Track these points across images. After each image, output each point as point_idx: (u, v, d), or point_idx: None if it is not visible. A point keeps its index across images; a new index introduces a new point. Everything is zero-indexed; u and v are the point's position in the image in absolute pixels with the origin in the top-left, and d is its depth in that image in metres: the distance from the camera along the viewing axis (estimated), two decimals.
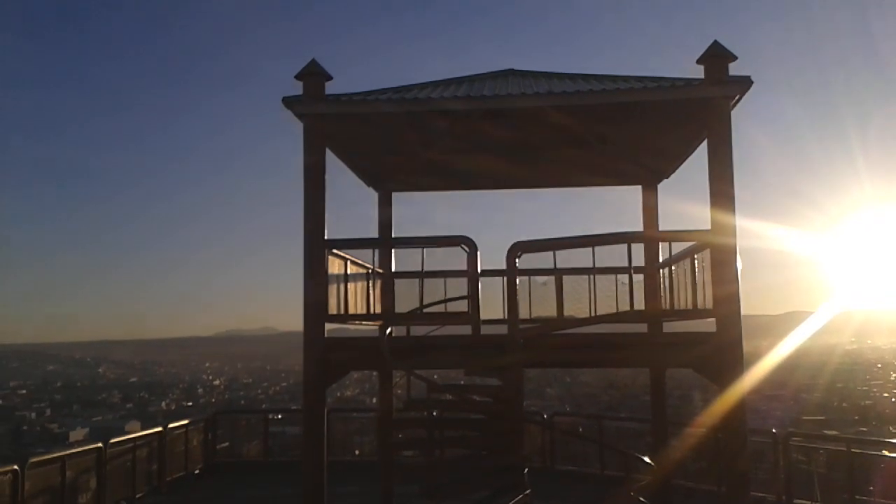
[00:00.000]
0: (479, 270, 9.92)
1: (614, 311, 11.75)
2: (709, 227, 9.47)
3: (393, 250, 13.20)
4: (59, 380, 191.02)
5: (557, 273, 10.60)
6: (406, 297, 12.26)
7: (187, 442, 16.97)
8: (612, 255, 10.82)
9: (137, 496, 14.51)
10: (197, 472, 17.21)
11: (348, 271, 11.16)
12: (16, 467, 10.89)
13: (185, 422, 17.23)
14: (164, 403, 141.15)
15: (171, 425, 16.55)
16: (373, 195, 14.53)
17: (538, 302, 11.63)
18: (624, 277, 12.00)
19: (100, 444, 13.48)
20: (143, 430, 17.05)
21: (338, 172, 12.74)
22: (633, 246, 10.52)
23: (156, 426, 16.75)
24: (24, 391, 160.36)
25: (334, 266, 10.61)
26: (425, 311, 10.70)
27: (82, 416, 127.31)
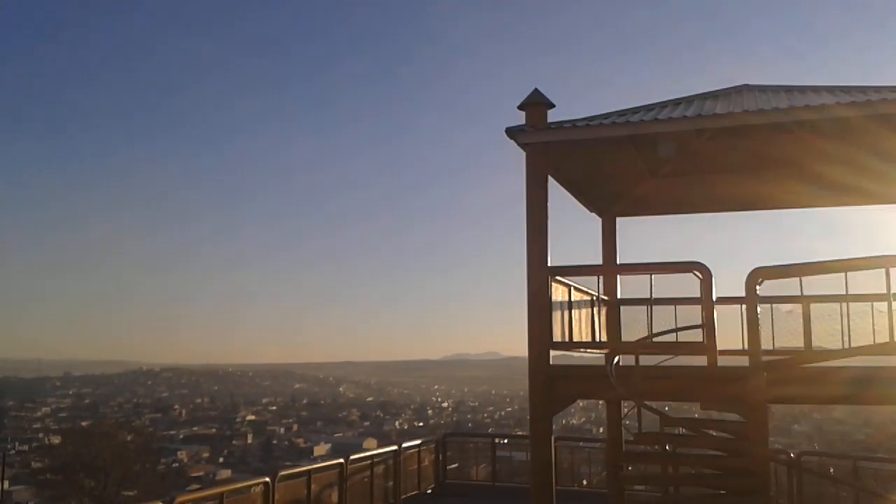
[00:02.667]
0: (714, 298, 9.38)
1: (871, 342, 10.56)
2: None
3: (619, 277, 12.89)
4: (306, 397, 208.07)
5: (804, 300, 9.74)
6: (633, 326, 11.88)
7: (420, 461, 17.57)
8: (868, 281, 9.75)
9: None
10: (429, 491, 17.75)
11: (572, 298, 11.03)
12: (267, 479, 11.79)
13: (417, 441, 17.87)
14: (397, 423, 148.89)
15: (404, 444, 17.24)
16: (596, 221, 14.33)
17: (782, 332, 10.77)
18: (882, 305, 10.76)
19: (341, 460, 14.31)
20: (378, 447, 17.92)
21: (561, 198, 12.74)
22: (893, 271, 9.39)
23: (390, 444, 17.54)
24: (275, 407, 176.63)
25: (558, 293, 10.53)
26: (655, 340, 10.27)
27: (325, 432, 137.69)
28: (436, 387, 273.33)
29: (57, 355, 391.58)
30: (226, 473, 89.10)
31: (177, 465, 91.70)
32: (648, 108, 10.97)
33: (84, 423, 73.80)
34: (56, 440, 61.49)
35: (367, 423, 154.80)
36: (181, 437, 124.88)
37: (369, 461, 15.34)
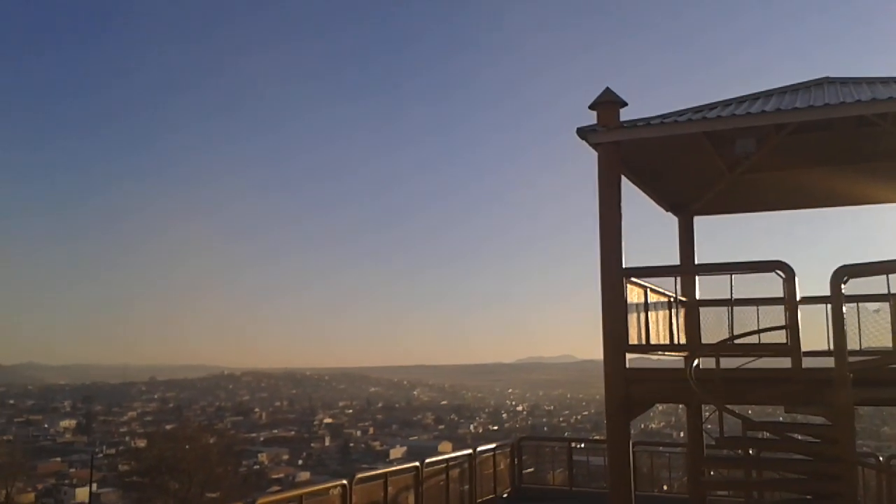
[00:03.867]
0: (797, 297, 9.09)
1: None
2: None
3: (697, 277, 12.62)
4: (381, 401, 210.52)
5: (893, 298, 9.35)
6: (713, 327, 11.61)
7: (495, 465, 17.55)
8: None
9: None
10: (505, 495, 17.70)
11: (649, 300, 10.85)
12: (345, 482, 11.98)
13: (492, 445, 17.85)
14: (471, 426, 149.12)
15: (479, 448, 17.24)
16: (672, 220, 14.07)
17: (869, 332, 10.36)
18: None
19: (417, 464, 14.41)
20: (453, 451, 17.95)
21: (634, 198, 12.54)
22: None
23: (465, 448, 17.55)
24: (351, 411, 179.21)
25: (633, 294, 10.37)
26: (737, 341, 10.01)
27: (400, 435, 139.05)
28: (510, 390, 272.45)
29: (143, 361, 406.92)
30: (305, 476, 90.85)
31: (257, 467, 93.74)
32: (725, 103, 10.73)
33: (168, 427, 76.29)
34: (142, 443, 63.56)
35: (441, 427, 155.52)
36: (261, 439, 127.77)
37: (444, 465, 15.38)
